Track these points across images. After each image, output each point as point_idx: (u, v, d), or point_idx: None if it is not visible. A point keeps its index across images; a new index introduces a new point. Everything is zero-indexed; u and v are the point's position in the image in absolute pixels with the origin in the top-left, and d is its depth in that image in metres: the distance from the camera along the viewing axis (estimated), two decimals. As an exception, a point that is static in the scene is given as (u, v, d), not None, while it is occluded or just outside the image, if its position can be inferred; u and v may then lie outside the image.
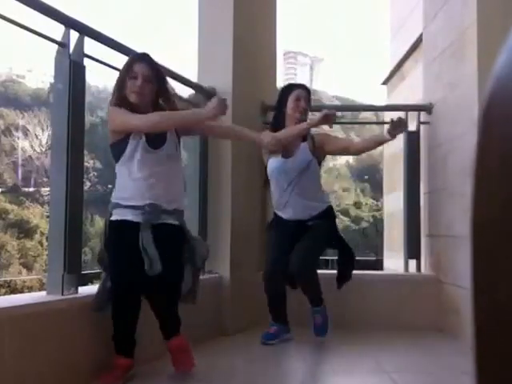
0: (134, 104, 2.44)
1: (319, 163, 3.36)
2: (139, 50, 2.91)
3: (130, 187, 2.43)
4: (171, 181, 2.49)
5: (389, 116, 6.64)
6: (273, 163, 3.31)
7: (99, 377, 2.31)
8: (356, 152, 3.51)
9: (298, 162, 3.26)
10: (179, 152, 2.57)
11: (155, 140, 2.45)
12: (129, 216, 2.40)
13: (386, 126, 3.22)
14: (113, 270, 2.42)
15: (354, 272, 3.28)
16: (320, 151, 3.32)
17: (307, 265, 3.11)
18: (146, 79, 2.42)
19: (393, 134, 3.11)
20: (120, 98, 2.46)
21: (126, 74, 2.45)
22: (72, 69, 2.37)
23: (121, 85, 2.46)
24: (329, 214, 3.34)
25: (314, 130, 3.40)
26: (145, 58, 2.48)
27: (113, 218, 2.44)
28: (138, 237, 2.37)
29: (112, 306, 2.37)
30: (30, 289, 18.90)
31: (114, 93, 2.50)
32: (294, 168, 3.25)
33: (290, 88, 3.38)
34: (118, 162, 2.47)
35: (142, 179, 2.42)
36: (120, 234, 2.43)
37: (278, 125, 3.29)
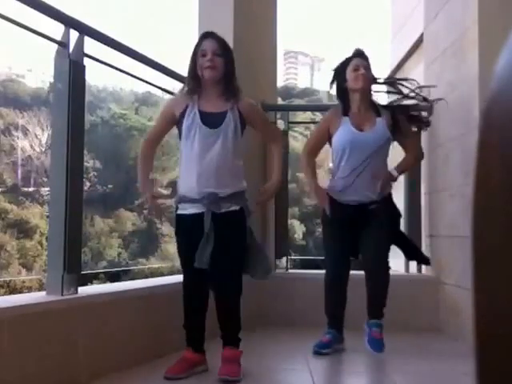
0: (206, 80, 2.49)
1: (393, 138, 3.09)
2: (139, 49, 2.92)
3: (187, 176, 2.49)
4: (226, 165, 2.47)
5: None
6: (346, 134, 3.00)
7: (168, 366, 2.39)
8: (407, 154, 3.19)
9: (378, 138, 2.99)
10: (239, 134, 2.51)
11: (211, 119, 2.47)
12: (191, 209, 2.48)
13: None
14: (181, 265, 2.54)
15: (355, 272, 3.25)
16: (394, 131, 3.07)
17: (382, 263, 3.00)
18: (215, 53, 2.48)
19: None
20: (191, 80, 2.52)
21: (195, 54, 2.52)
22: (72, 68, 2.36)
23: (193, 67, 2.52)
24: (390, 200, 3.14)
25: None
26: (211, 34, 2.56)
27: (178, 211, 2.54)
28: (200, 228, 2.43)
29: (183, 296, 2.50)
30: (30, 289, 18.93)
31: (187, 78, 2.57)
32: (372, 144, 2.97)
33: (345, 62, 3.11)
34: (180, 140, 2.54)
35: (197, 164, 2.45)
36: (184, 228, 2.52)
37: (344, 103, 3.10)
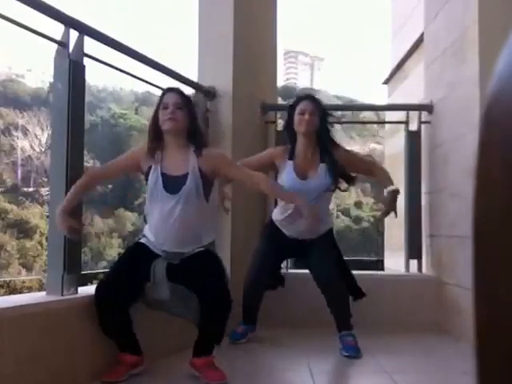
0: (167, 132, 2.49)
1: (336, 186, 3.15)
2: (139, 49, 2.91)
3: (153, 229, 2.51)
4: (189, 228, 2.48)
5: (390, 116, 6.63)
6: (289, 182, 3.06)
7: (102, 374, 2.32)
8: (376, 176, 3.26)
9: (318, 186, 3.07)
10: (201, 195, 2.50)
11: (172, 185, 2.47)
12: (153, 248, 2.50)
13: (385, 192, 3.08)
14: (107, 275, 2.48)
15: (355, 272, 3.28)
16: (340, 171, 3.11)
17: (332, 278, 3.02)
18: (177, 106, 2.48)
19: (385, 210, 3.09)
20: (152, 136, 2.52)
21: (158, 107, 2.52)
22: (72, 68, 2.36)
23: (155, 120, 2.52)
24: (329, 235, 3.22)
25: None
26: (174, 89, 2.58)
27: (140, 240, 2.56)
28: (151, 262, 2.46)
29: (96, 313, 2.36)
30: (30, 289, 18.91)
31: (148, 133, 2.56)
32: (313, 192, 3.04)
33: (294, 104, 3.16)
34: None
35: (160, 227, 2.48)
36: (137, 253, 2.52)
37: (292, 143, 3.15)
